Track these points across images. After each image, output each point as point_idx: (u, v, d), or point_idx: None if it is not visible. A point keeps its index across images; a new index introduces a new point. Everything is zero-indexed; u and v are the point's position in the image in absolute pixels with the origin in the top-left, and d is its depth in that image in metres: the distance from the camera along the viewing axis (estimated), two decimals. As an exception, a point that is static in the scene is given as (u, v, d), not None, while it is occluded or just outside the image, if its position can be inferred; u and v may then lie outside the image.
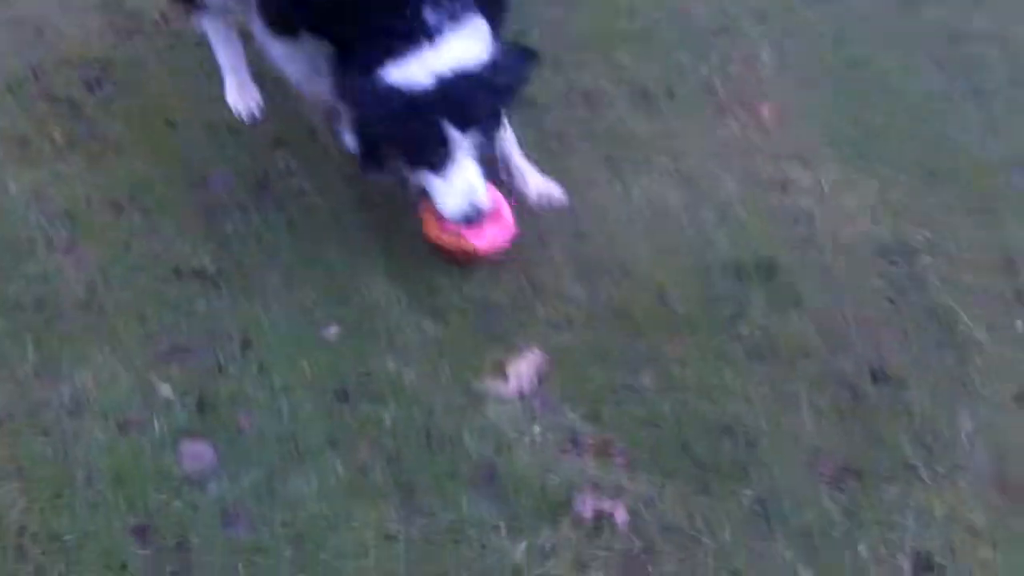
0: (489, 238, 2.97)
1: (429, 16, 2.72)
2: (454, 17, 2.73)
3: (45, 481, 2.55)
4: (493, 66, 2.76)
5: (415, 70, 2.71)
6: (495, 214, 2.97)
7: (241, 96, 3.54)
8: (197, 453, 2.64)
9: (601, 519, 2.54)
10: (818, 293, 3.09)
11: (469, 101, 2.75)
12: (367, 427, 2.71)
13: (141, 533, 2.48)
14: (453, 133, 2.75)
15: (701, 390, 2.82)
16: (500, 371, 2.84)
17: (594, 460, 2.67)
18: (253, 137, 3.50)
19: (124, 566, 2.42)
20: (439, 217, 2.92)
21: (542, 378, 2.83)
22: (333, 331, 2.93)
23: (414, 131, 2.75)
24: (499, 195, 3.03)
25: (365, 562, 2.45)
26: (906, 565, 2.50)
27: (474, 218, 2.86)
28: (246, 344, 2.88)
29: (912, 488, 2.64)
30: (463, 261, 3.02)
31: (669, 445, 2.70)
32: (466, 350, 2.90)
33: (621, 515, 2.54)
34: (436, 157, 2.80)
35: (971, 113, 3.71)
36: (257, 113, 3.52)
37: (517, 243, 3.07)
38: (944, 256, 3.22)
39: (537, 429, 2.73)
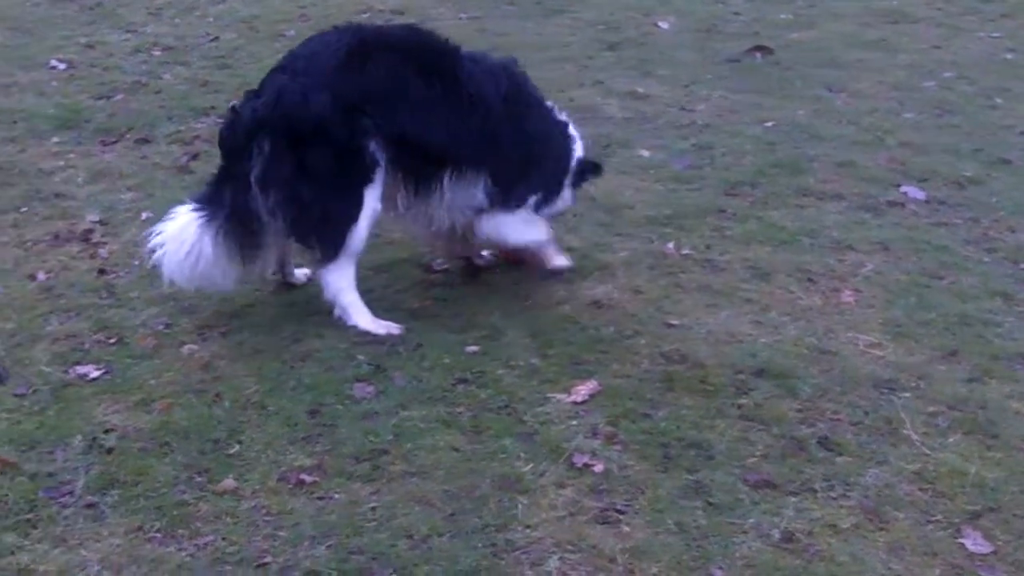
0: None
1: None
2: None
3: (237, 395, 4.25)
4: None
5: None
6: None
7: (378, 324, 4.68)
8: (363, 389, 4.27)
9: (586, 467, 3.89)
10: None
11: None
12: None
13: (313, 413, 4.12)
14: None
15: (695, 427, 4.13)
16: (567, 389, 4.30)
17: (602, 442, 4.03)
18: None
19: (297, 424, 4.05)
20: None
21: (593, 396, 4.26)
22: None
23: None
24: None
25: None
26: (776, 535, 3.64)
27: None
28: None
29: (804, 500, 3.80)
30: None
31: (653, 447, 4.01)
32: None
33: (599, 467, 3.88)
34: None
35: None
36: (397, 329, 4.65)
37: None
38: (919, 398, 4.36)
39: (574, 422, 4.14)
